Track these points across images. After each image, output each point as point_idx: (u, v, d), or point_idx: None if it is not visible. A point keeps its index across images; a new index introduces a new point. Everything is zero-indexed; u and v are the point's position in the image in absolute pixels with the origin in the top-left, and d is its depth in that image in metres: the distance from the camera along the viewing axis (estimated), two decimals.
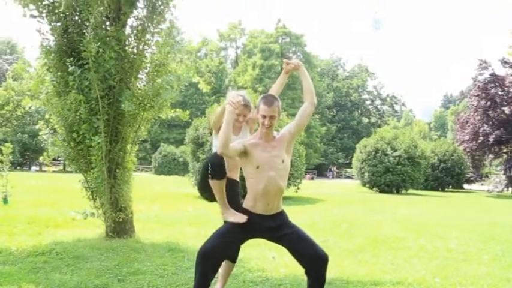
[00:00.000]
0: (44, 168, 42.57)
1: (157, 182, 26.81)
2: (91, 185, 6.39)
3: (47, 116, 6.80)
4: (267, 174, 3.38)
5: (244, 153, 3.42)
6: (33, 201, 11.97)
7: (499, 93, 26.82)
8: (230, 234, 3.48)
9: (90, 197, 6.63)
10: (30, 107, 7.90)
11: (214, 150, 3.76)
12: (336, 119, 64.55)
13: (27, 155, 45.09)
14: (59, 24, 6.29)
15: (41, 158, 7.57)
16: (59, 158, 7.19)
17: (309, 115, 3.61)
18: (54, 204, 11.50)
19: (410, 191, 25.34)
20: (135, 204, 7.19)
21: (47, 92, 6.41)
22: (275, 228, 3.46)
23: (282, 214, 3.53)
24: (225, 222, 3.59)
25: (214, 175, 3.55)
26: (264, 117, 3.41)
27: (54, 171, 40.42)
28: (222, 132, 3.30)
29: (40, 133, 7.06)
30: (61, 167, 46.11)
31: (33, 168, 43.70)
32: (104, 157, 6.03)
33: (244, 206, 3.52)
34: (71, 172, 6.77)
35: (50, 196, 13.80)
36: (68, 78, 5.97)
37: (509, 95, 26.75)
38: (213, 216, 9.46)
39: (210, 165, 3.54)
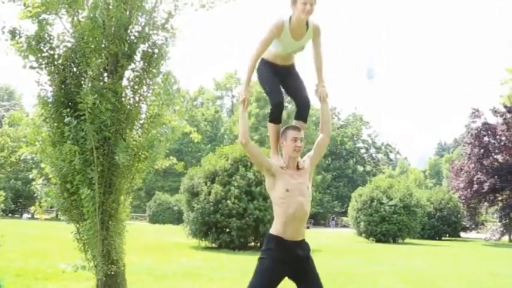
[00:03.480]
0: (36, 216, 41.94)
1: (151, 231, 26.41)
2: (83, 236, 6.28)
3: (42, 165, 6.77)
4: (297, 199, 3.55)
5: (272, 174, 3.65)
6: (24, 251, 11.72)
7: (492, 141, 27.14)
8: (269, 270, 3.54)
9: (82, 248, 6.49)
10: (25, 155, 7.89)
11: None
12: (332, 168, 64.60)
13: (19, 202, 44.48)
14: (57, 75, 6.38)
15: (32, 208, 7.46)
16: (52, 208, 7.10)
17: (325, 146, 3.91)
18: (44, 255, 11.26)
19: (407, 240, 25.06)
20: (127, 256, 7.04)
21: (42, 141, 6.41)
22: (304, 258, 3.58)
23: (306, 243, 3.68)
24: (259, 262, 3.65)
25: (271, 119, 3.91)
26: (295, 139, 3.68)
27: (46, 219, 39.79)
28: (239, 123, 3.82)
29: (33, 183, 7.00)
30: (53, 215, 45.49)
31: (25, 215, 43.03)
32: (97, 208, 5.97)
33: (273, 232, 3.63)
34: (64, 220, 6.68)
35: (41, 245, 13.54)
36: (63, 129, 6.00)
37: (502, 143, 27.05)
38: (208, 269, 9.27)
39: (270, 109, 3.90)
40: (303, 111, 4.02)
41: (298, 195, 3.57)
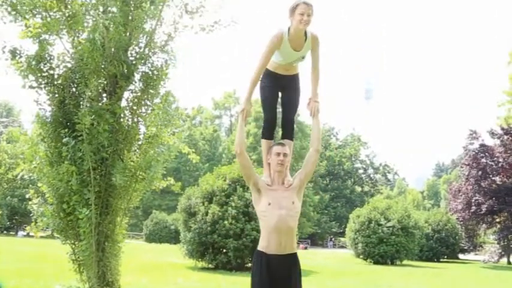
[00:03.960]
0: (31, 233, 41.54)
1: (147, 250, 26.18)
2: (79, 257, 6.24)
3: (39, 184, 6.75)
4: (278, 212, 3.66)
5: (258, 190, 3.81)
6: (18, 271, 11.58)
7: (489, 163, 27.17)
8: (257, 284, 3.67)
9: (77, 269, 6.44)
10: (23, 173, 7.87)
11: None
12: (329, 188, 64.46)
13: (15, 219, 44.08)
14: (56, 95, 6.42)
15: (28, 228, 7.42)
16: (47, 228, 7.06)
17: (314, 162, 3.97)
18: (39, 275, 11.12)
19: (405, 262, 24.87)
20: (123, 276, 6.98)
21: (40, 161, 6.41)
22: (284, 276, 3.65)
23: (294, 258, 3.73)
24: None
25: (263, 135, 4.11)
26: (278, 154, 3.81)
27: (42, 237, 39.43)
28: (236, 133, 3.98)
29: (30, 202, 6.98)
30: (49, 232, 45.09)
31: (21, 233, 42.60)
32: (93, 229, 5.95)
33: (258, 248, 3.74)
34: (59, 239, 6.64)
35: (36, 265, 13.39)
36: (61, 149, 6.02)
37: (499, 165, 27.07)
38: None
39: (263, 125, 4.12)
40: (285, 128, 4.17)
41: (280, 209, 3.67)
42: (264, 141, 4.07)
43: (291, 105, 4.14)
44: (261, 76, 4.07)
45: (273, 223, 3.65)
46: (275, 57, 4.02)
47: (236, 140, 3.91)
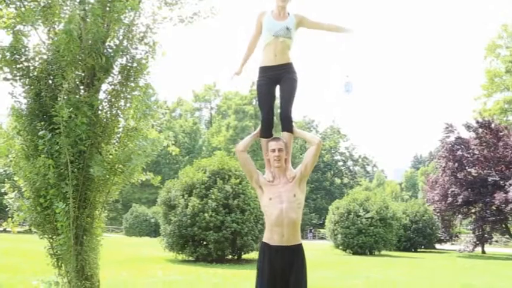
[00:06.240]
0: (8, 229, 40.80)
1: (127, 244, 26.02)
2: (56, 251, 6.16)
3: (15, 178, 6.63)
4: (279, 206, 3.79)
5: (259, 186, 3.95)
6: None
7: (465, 155, 27.68)
8: (263, 272, 3.79)
9: (55, 264, 6.36)
10: None
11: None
12: (309, 180, 64.70)
13: None
14: (32, 87, 6.28)
15: (4, 223, 7.28)
16: (24, 223, 6.94)
17: (314, 154, 4.02)
18: (16, 270, 10.97)
19: (383, 252, 25.27)
20: (102, 270, 6.92)
21: (16, 154, 6.29)
22: (286, 267, 3.75)
23: (298, 249, 3.83)
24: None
25: (261, 133, 4.21)
26: (273, 150, 3.93)
27: (19, 232, 38.76)
28: (247, 137, 4.19)
29: (6, 196, 6.84)
30: (27, 227, 44.34)
31: None
32: (71, 223, 5.87)
33: (263, 239, 3.90)
34: (37, 233, 6.53)
35: (13, 260, 13.19)
36: (38, 142, 5.90)
37: (475, 157, 27.62)
38: (185, 283, 9.18)
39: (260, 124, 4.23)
40: (282, 122, 4.19)
41: (280, 203, 3.79)
42: (262, 140, 4.18)
43: (286, 97, 4.18)
44: (258, 76, 4.26)
45: (274, 217, 3.78)
46: (263, 37, 4.19)
47: (242, 142, 4.14)
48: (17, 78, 6.30)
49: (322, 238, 50.46)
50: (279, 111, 4.22)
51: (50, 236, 6.24)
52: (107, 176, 6.06)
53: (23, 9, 6.08)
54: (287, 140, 4.08)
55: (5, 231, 40.53)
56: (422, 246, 30.73)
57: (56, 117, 5.71)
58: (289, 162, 4.04)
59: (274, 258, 3.76)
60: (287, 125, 4.15)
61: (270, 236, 3.82)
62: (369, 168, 75.99)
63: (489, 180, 26.44)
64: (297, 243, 3.84)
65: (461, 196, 26.83)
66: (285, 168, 3.96)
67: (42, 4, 6.17)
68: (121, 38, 6.43)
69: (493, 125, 27.57)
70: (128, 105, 6.42)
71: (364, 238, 23.72)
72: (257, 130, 4.22)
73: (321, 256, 21.88)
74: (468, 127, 28.03)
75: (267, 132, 4.14)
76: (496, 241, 35.05)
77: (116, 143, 6.47)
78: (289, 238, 3.78)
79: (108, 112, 6.38)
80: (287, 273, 3.75)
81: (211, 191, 15.88)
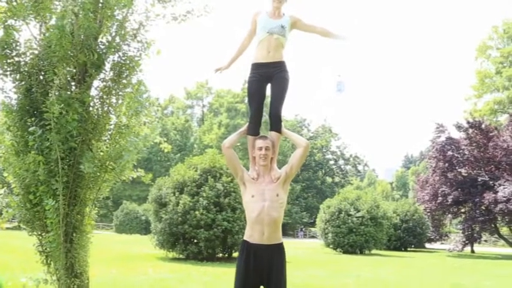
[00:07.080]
0: None
1: (117, 241, 25.91)
2: (46, 249, 6.11)
3: (5, 174, 6.56)
4: (260, 203, 3.77)
5: (243, 183, 3.94)
6: None
7: (455, 155, 27.88)
8: (241, 272, 3.81)
9: (45, 261, 6.30)
10: None
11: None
12: (300, 179, 64.96)
13: None
14: (22, 83, 6.22)
15: None
16: (13, 219, 6.89)
17: (301, 156, 4.01)
18: (4, 267, 10.89)
19: (374, 251, 25.40)
20: (92, 268, 6.88)
21: (5, 150, 6.22)
22: (265, 266, 3.74)
23: (278, 249, 3.84)
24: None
25: (248, 131, 4.20)
26: (260, 148, 3.90)
27: (8, 228, 38.44)
28: (233, 134, 4.14)
29: None
30: (16, 224, 44.01)
31: None
32: (61, 220, 5.82)
33: (244, 237, 3.90)
34: (26, 230, 6.49)
35: (2, 257, 13.08)
36: (28, 138, 5.84)
37: (465, 158, 27.83)
38: (175, 281, 9.15)
39: (248, 122, 4.24)
40: (271, 121, 4.17)
41: (262, 201, 3.78)
42: (249, 137, 4.15)
43: (277, 96, 4.16)
44: (249, 72, 4.22)
45: (255, 214, 3.76)
46: (257, 35, 4.19)
47: (230, 138, 4.09)
48: (8, 73, 6.23)
49: (313, 237, 50.64)
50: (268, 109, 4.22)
51: (39, 233, 6.18)
52: (98, 173, 6.02)
53: (14, 3, 6.02)
54: (274, 139, 4.07)
55: None
56: (413, 246, 30.93)
57: (46, 113, 5.66)
58: (275, 162, 4.04)
59: (253, 257, 3.74)
60: (276, 124, 4.14)
61: (250, 234, 3.80)
62: (360, 168, 76.21)
63: (479, 180, 26.66)
64: (277, 242, 3.83)
65: (451, 196, 27.04)
66: (270, 167, 3.95)
67: None
68: (113, 34, 6.38)
69: (483, 126, 27.78)
70: (120, 102, 6.38)
71: (355, 237, 23.83)
72: (244, 127, 4.20)
73: (312, 255, 21.94)
74: (459, 127, 28.24)
75: (254, 130, 4.13)
76: (485, 241, 35.34)
77: (107, 140, 6.43)
78: (269, 237, 3.76)
79: (100, 109, 6.32)
80: (267, 271, 3.74)
81: (202, 189, 15.85)
